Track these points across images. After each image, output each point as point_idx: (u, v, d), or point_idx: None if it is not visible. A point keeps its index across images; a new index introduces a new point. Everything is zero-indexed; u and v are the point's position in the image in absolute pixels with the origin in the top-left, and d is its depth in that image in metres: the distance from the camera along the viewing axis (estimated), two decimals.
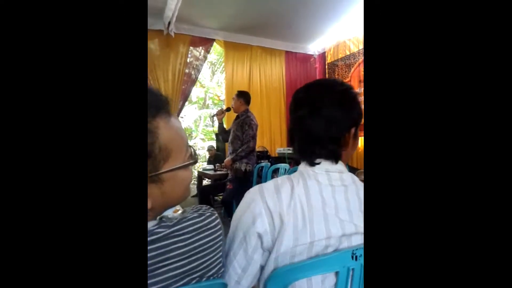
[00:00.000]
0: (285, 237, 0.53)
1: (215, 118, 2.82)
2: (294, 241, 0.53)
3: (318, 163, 0.59)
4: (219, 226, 0.47)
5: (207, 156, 5.21)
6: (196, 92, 8.00)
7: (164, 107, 0.45)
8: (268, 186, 0.58)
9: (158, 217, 0.47)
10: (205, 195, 3.25)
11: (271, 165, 3.11)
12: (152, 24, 3.39)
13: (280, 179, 0.60)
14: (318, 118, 0.58)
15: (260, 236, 0.54)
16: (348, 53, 4.08)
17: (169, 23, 3.29)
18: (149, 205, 0.43)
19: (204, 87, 8.42)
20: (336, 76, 4.27)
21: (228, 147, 2.64)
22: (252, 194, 0.58)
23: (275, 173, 3.11)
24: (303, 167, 0.62)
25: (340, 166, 0.60)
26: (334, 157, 0.60)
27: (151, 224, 0.43)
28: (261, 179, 3.15)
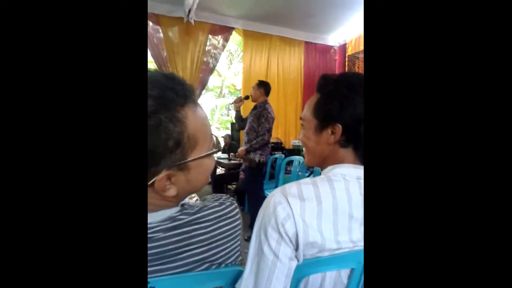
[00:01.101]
0: (310, 249, 0.51)
1: (232, 105, 2.81)
2: (318, 249, 0.51)
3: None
4: (238, 216, 0.48)
5: (222, 145, 5.26)
6: (212, 81, 8.02)
7: (191, 96, 0.45)
8: (292, 191, 0.53)
9: (180, 204, 0.48)
10: (219, 184, 3.29)
11: (285, 157, 3.10)
12: (172, 11, 3.40)
13: (304, 185, 0.53)
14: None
15: (291, 240, 0.51)
16: None
17: (189, 10, 3.28)
18: (174, 192, 0.44)
19: (221, 75, 8.43)
20: (356, 69, 4.15)
21: (243, 137, 2.64)
22: (276, 197, 0.53)
23: (289, 165, 3.11)
24: (333, 173, 0.57)
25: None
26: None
27: (173, 211, 0.45)
28: (274, 171, 3.16)
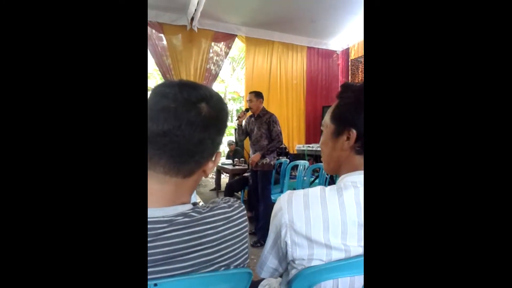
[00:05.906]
0: (318, 256, 0.52)
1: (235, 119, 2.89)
2: (327, 257, 0.52)
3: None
4: (245, 218, 0.50)
5: (225, 151, 5.27)
6: (216, 87, 8.08)
7: None
8: (298, 200, 0.55)
9: (192, 203, 0.49)
10: (230, 193, 3.31)
11: (290, 161, 3.10)
12: (176, 19, 3.45)
13: (312, 194, 0.55)
14: None
15: (286, 245, 0.55)
16: None
17: (192, 18, 3.33)
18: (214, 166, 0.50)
19: (224, 82, 8.49)
20: (360, 73, 4.16)
21: (252, 145, 2.68)
22: (281, 202, 0.57)
23: (294, 170, 3.10)
24: (349, 181, 0.57)
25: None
26: None
27: (186, 208, 0.46)
28: (279, 176, 3.15)
